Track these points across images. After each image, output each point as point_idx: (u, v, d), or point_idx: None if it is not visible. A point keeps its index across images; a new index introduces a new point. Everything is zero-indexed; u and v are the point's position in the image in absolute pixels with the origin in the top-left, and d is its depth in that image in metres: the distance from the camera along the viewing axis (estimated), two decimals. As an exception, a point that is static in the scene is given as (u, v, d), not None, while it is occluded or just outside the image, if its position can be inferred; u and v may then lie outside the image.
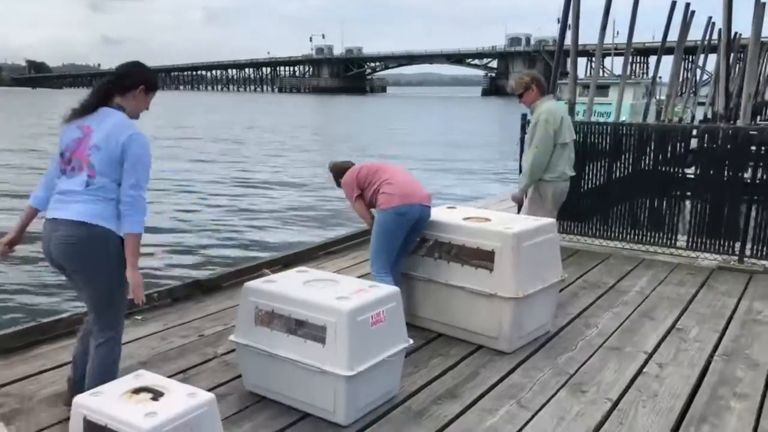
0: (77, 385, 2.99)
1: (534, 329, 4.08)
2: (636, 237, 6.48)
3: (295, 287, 3.19)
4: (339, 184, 4.40)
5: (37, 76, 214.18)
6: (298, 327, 3.03)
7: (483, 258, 3.88)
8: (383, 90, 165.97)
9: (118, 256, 2.77)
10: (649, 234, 6.41)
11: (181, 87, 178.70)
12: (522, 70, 5.28)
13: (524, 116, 6.79)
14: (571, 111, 7.84)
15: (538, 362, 3.80)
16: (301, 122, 44.86)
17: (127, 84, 2.88)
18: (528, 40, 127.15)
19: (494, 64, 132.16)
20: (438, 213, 4.25)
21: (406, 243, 4.07)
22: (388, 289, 3.20)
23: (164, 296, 4.78)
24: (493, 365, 3.75)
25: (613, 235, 6.59)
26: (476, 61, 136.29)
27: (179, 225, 11.42)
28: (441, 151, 25.45)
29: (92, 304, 2.88)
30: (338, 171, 4.41)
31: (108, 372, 2.91)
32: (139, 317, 4.46)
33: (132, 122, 2.86)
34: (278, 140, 30.01)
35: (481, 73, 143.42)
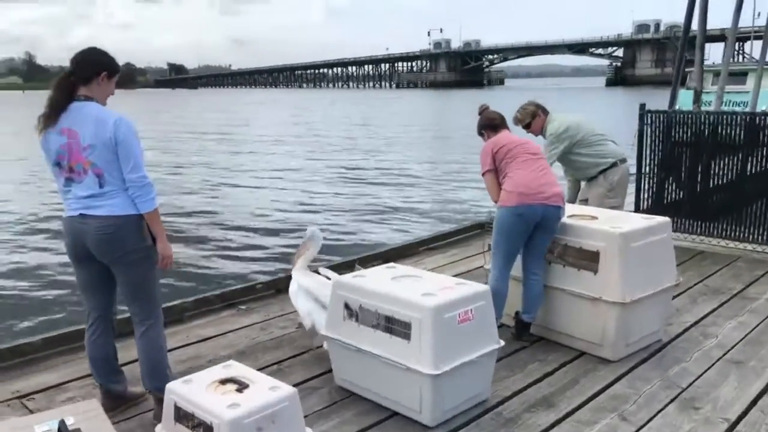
0: (112, 387, 3.11)
1: (642, 337, 3.78)
2: (769, 238, 5.83)
3: (382, 283, 3.16)
4: (479, 134, 4.08)
5: (176, 78, 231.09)
6: (384, 322, 3.00)
7: (587, 259, 3.65)
8: (501, 82, 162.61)
9: (149, 236, 2.89)
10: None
11: (304, 85, 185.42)
12: (524, 104, 5.07)
13: (643, 105, 6.34)
14: (697, 99, 7.20)
15: (645, 373, 3.51)
16: (411, 118, 45.02)
17: (89, 73, 2.82)
18: (657, 26, 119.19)
19: (620, 53, 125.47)
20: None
21: (535, 245, 3.73)
22: (476, 287, 3.08)
23: (268, 287, 4.93)
24: (595, 374, 3.51)
25: (742, 235, 5.97)
26: (600, 50, 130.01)
27: (283, 218, 11.95)
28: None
29: (133, 289, 2.95)
30: (484, 123, 4.00)
31: (159, 358, 3.03)
32: (243, 307, 4.64)
33: (108, 108, 2.85)
34: (389, 135, 30.30)
35: (605, 62, 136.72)
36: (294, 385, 3.38)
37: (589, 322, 3.67)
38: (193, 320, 4.40)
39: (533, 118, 4.93)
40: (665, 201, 6.36)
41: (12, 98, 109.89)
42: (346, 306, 3.18)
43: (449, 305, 2.87)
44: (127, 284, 2.96)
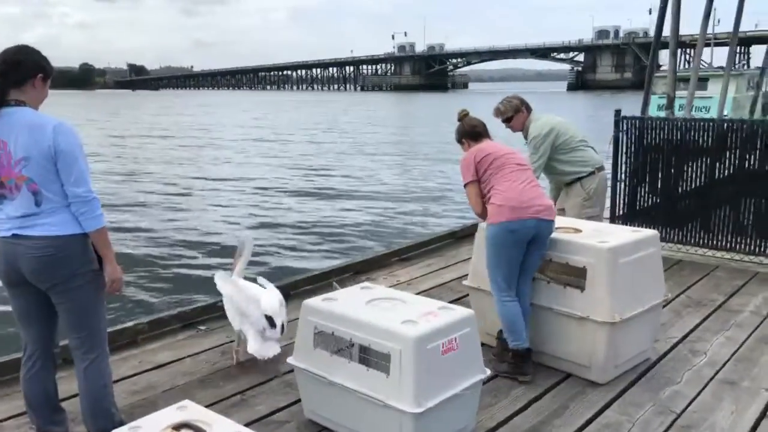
0: (52, 429, 2.74)
1: (632, 357, 3.58)
2: (746, 247, 5.73)
3: (357, 307, 2.87)
4: (458, 141, 3.76)
5: (137, 78, 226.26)
6: (359, 353, 2.71)
7: (573, 275, 3.42)
8: (465, 86, 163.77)
9: (95, 257, 2.56)
10: (762, 243, 5.66)
11: (268, 87, 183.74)
12: (508, 96, 4.86)
13: (618, 112, 6.20)
14: (670, 106, 7.12)
15: (637, 397, 3.30)
16: (378, 121, 44.82)
17: (23, 75, 2.48)
18: (617, 32, 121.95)
19: (581, 57, 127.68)
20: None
21: (527, 263, 3.43)
22: (461, 312, 2.81)
23: (229, 305, 4.58)
24: (584, 398, 3.28)
25: (719, 244, 5.86)
26: (562, 55, 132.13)
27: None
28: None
29: (75, 319, 2.60)
30: (466, 130, 3.66)
31: (103, 396, 2.69)
32: (203, 327, 4.30)
33: (45, 114, 2.51)
34: (352, 140, 29.88)
35: (566, 67, 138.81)
36: (259, 419, 3.11)
37: (575, 342, 3.44)
38: (148, 343, 4.04)
39: (516, 112, 4.67)
40: (638, 207, 6.24)
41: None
42: (317, 332, 2.88)
43: (432, 334, 2.60)
44: (69, 312, 2.60)
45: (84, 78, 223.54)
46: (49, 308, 2.61)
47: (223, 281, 3.69)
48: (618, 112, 6.13)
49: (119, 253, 9.09)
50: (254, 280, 3.97)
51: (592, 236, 3.50)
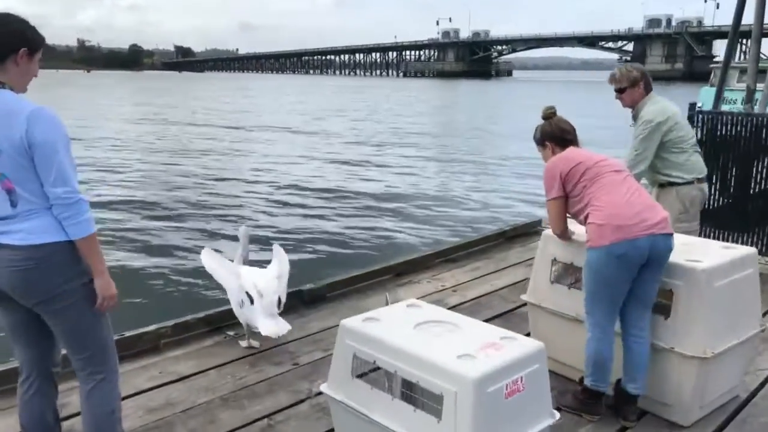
0: None
1: (720, 395, 3.07)
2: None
3: (403, 332, 2.44)
4: (539, 142, 3.19)
5: (183, 60, 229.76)
6: (405, 389, 2.28)
7: (657, 298, 2.92)
8: (509, 74, 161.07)
9: (84, 268, 2.17)
10: None
11: (311, 71, 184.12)
12: (630, 64, 4.16)
13: (693, 105, 5.59)
14: (750, 99, 6.45)
15: (729, 445, 2.80)
16: (421, 109, 44.13)
17: (4, 49, 2.10)
18: (669, 21, 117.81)
19: (630, 47, 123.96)
20: (578, 227, 3.24)
21: (641, 291, 2.82)
22: (529, 345, 2.36)
23: (261, 308, 4.21)
24: (664, 444, 2.80)
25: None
26: (610, 44, 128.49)
27: (278, 223, 10.23)
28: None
29: (71, 340, 2.25)
30: (554, 133, 3.11)
31: (108, 425, 2.32)
32: (231, 332, 3.93)
33: (24, 98, 2.12)
34: (393, 129, 29.21)
35: (613, 56, 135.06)
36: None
37: (655, 377, 2.95)
38: (171, 349, 3.70)
39: (632, 85, 3.91)
40: (708, 208, 5.63)
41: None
42: (356, 359, 2.47)
43: (495, 374, 2.15)
44: (64, 334, 2.25)
45: (133, 59, 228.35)
46: (41, 326, 2.25)
47: (205, 255, 3.86)
48: (693, 105, 5.52)
49: (142, 246, 8.66)
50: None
51: (680, 252, 2.98)
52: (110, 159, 17.51)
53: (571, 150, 3.02)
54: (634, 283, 2.79)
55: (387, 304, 3.94)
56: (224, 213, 10.96)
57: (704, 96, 18.93)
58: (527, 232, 6.30)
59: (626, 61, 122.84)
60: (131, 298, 6.02)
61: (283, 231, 9.53)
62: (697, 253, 2.98)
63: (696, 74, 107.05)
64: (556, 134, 3.09)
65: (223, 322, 4.01)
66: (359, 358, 2.46)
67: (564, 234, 3.07)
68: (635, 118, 3.98)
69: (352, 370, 2.48)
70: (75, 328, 2.22)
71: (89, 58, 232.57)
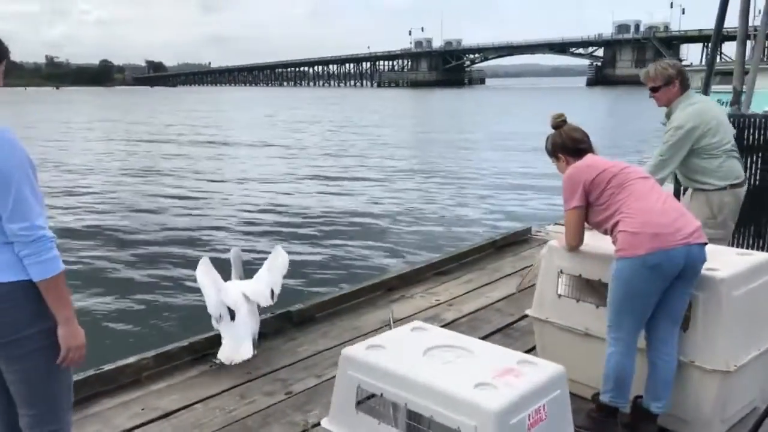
0: None
1: (741, 408, 2.91)
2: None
3: (412, 360, 2.24)
4: (551, 154, 3.01)
5: (154, 75, 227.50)
6: (418, 424, 2.08)
7: (670, 309, 2.75)
8: (482, 82, 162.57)
9: (46, 312, 1.92)
10: None
11: (285, 83, 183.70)
12: (664, 59, 3.99)
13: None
14: (737, 100, 6.38)
15: (754, 463, 2.63)
16: (397, 119, 44.10)
17: None
18: (637, 26, 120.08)
19: (600, 52, 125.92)
20: (589, 239, 3.10)
21: (671, 304, 2.63)
22: (549, 369, 2.17)
23: (248, 332, 3.97)
24: (687, 465, 2.62)
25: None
26: (581, 50, 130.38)
27: (261, 242, 9.76)
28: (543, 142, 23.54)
29: (22, 393, 1.98)
30: (566, 144, 2.90)
31: None
32: (217, 360, 3.67)
33: None
34: (371, 139, 29.00)
35: (584, 62, 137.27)
36: None
37: (674, 391, 2.78)
38: (153, 382, 3.43)
39: (666, 84, 3.69)
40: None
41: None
42: (360, 391, 2.26)
43: (517, 404, 1.96)
44: (16, 384, 1.98)
45: (103, 75, 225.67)
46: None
47: (199, 268, 3.78)
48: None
49: (118, 272, 8.16)
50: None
51: (695, 261, 2.83)
52: (79, 181, 17.03)
53: (591, 157, 2.84)
54: (663, 295, 2.61)
55: (390, 322, 3.76)
56: (202, 236, 10.45)
57: (680, 98, 19.09)
58: (517, 240, 6.16)
59: (597, 66, 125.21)
60: (109, 329, 5.73)
61: (265, 252, 9.06)
62: (713, 261, 2.83)
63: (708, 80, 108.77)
64: (567, 145, 2.91)
65: (208, 349, 3.76)
66: (364, 390, 2.25)
67: (578, 246, 2.90)
68: (668, 117, 3.78)
69: (356, 405, 2.27)
70: (30, 379, 1.95)
71: (58, 74, 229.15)
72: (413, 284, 5.04)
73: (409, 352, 2.31)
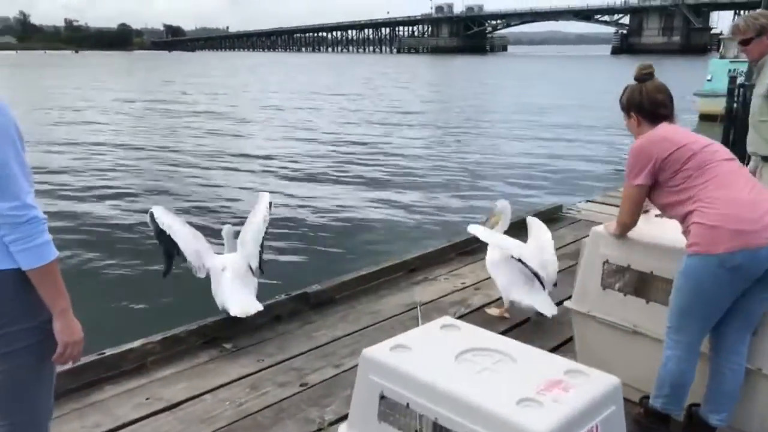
0: None
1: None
2: None
3: (442, 367, 1.96)
4: (623, 108, 2.59)
5: (173, 40, 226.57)
6: (449, 440, 1.82)
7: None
8: (504, 49, 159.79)
9: (37, 305, 1.68)
10: None
11: (303, 49, 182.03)
12: (756, 11, 3.64)
13: (733, 79, 5.10)
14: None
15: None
16: (420, 86, 43.34)
17: None
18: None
19: (626, 20, 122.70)
20: (639, 223, 2.78)
21: (746, 309, 2.30)
22: (601, 381, 1.89)
23: (262, 315, 3.72)
24: (748, 483, 2.34)
25: None
26: (606, 17, 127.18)
27: (282, 217, 8.99)
28: (572, 116, 22.90)
29: (2, 396, 1.74)
30: (645, 103, 2.48)
31: None
32: (228, 345, 3.46)
33: None
34: (393, 108, 28.36)
35: (609, 30, 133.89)
36: None
37: (740, 404, 2.49)
38: (159, 368, 3.22)
39: (758, 34, 3.41)
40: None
41: (5, 59, 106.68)
42: (384, 400, 2.00)
43: (567, 426, 1.68)
44: None
45: (122, 39, 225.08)
46: None
47: (155, 209, 3.59)
48: (733, 79, 5.02)
49: (121, 246, 7.49)
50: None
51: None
52: (92, 139, 16.79)
53: (669, 128, 2.44)
54: (737, 299, 2.28)
55: (419, 317, 3.50)
56: (213, 206, 9.96)
57: (714, 68, 18.37)
58: (548, 219, 5.81)
59: (623, 34, 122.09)
60: (111, 309, 5.41)
61: (280, 224, 8.46)
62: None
63: (693, 47, 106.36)
64: (645, 106, 2.49)
65: (218, 332, 3.53)
66: (388, 398, 1.98)
67: (632, 226, 2.57)
68: (759, 71, 3.46)
69: (378, 414, 2.01)
70: (11, 382, 1.71)
71: (77, 38, 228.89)
72: (436, 265, 4.77)
73: (440, 356, 2.03)
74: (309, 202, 10.27)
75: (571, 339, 3.21)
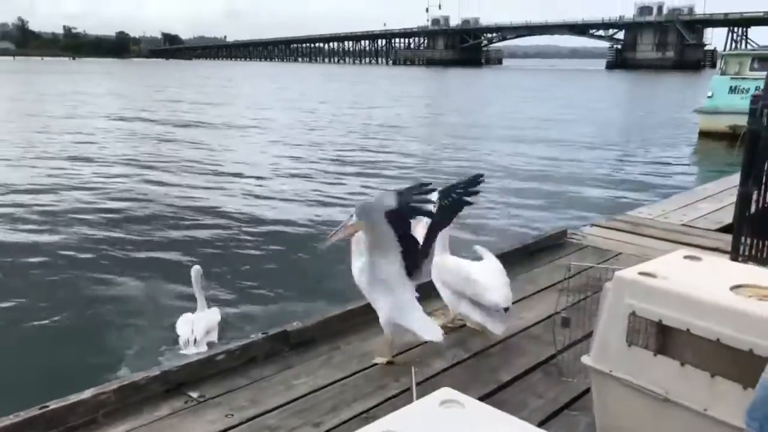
0: None
1: None
2: None
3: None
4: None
5: (170, 48, 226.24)
6: None
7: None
8: (499, 62, 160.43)
9: None
10: None
11: (300, 59, 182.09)
12: None
13: (756, 99, 4.69)
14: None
15: None
16: (419, 98, 43.08)
17: None
18: (660, 8, 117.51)
19: (620, 35, 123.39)
20: (670, 267, 2.41)
21: None
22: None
23: (233, 358, 3.31)
24: None
25: None
26: (601, 32, 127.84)
27: (251, 239, 8.21)
28: (568, 131, 22.58)
29: None
30: None
31: None
32: (194, 394, 3.03)
33: None
34: (386, 121, 27.99)
35: (603, 45, 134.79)
36: None
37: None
38: (113, 423, 2.79)
39: None
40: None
41: (3, 65, 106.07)
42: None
43: None
44: None
45: (120, 46, 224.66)
46: None
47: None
48: (756, 98, 4.64)
49: (74, 278, 6.58)
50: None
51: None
52: (76, 150, 16.34)
53: None
54: None
55: (413, 388, 3.07)
56: (184, 239, 8.61)
57: (716, 84, 18.07)
58: (551, 245, 5.41)
59: (617, 49, 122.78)
60: (59, 353, 4.67)
61: (257, 253, 7.75)
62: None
63: (687, 63, 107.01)
64: None
65: (183, 380, 3.10)
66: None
67: None
68: None
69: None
70: None
71: (75, 45, 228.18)
72: (433, 297, 4.33)
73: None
74: (289, 227, 9.25)
75: (588, 391, 2.81)
